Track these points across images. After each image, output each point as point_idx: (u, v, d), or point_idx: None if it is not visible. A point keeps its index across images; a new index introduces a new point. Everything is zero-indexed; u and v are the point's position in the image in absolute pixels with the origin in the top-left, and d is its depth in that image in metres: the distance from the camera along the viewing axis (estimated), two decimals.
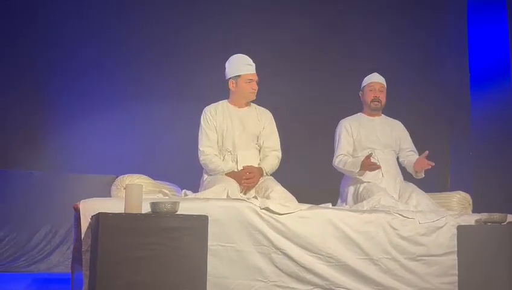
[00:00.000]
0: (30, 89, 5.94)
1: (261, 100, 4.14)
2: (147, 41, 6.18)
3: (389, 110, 4.45)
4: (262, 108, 4.15)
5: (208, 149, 3.94)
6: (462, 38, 6.33)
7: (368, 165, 4.02)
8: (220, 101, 4.09)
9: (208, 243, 2.99)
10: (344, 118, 4.44)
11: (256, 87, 4.00)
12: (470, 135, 6.12)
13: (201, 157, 3.95)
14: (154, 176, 3.75)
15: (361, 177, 4.16)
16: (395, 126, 4.41)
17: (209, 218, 3.02)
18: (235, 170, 3.89)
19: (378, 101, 4.31)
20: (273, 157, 4.01)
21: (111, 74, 6.06)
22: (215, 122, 3.98)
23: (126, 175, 3.58)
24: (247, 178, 3.81)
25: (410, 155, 4.32)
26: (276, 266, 3.30)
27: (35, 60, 5.98)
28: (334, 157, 4.29)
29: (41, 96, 5.96)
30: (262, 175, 3.91)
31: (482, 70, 6.11)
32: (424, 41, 6.43)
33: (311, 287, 3.33)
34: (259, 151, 4.06)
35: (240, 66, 3.99)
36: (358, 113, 4.44)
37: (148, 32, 6.20)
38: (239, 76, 3.98)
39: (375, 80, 4.34)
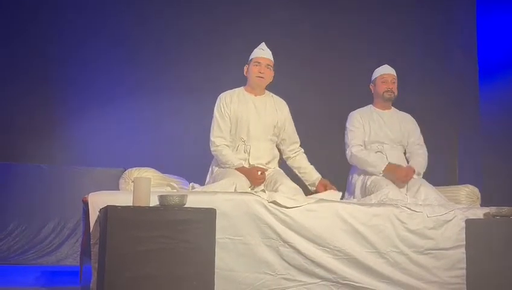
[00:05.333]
0: (38, 82, 5.94)
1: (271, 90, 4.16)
2: (154, 33, 6.17)
3: (398, 102, 4.44)
4: (279, 98, 4.13)
5: (218, 140, 3.92)
6: (471, 28, 6.28)
7: (404, 176, 4.03)
8: (237, 88, 4.07)
9: (216, 236, 2.99)
10: (354, 110, 4.43)
11: (264, 70, 3.95)
12: (479, 128, 6.09)
13: (212, 148, 3.94)
14: (162, 169, 3.75)
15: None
16: (404, 120, 4.39)
17: (217, 211, 3.03)
18: (245, 166, 3.87)
19: (392, 92, 4.31)
20: (302, 152, 4.13)
21: (119, 67, 6.06)
22: (230, 111, 3.94)
23: (134, 168, 3.59)
24: (258, 179, 3.80)
25: (414, 151, 4.30)
26: (284, 259, 3.30)
27: (43, 54, 5.98)
28: (349, 146, 4.25)
29: (49, 89, 5.97)
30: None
31: (491, 61, 6.06)
32: (432, 31, 6.39)
33: (319, 280, 3.34)
34: (275, 144, 4.07)
35: (254, 50, 4.04)
36: (369, 106, 4.43)
37: (156, 23, 6.19)
38: (251, 60, 4.02)
39: (386, 71, 4.35)
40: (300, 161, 4.12)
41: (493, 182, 5.51)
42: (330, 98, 6.13)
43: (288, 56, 5.90)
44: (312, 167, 4.11)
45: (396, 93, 4.33)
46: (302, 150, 4.16)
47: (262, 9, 6.15)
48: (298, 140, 4.14)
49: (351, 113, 4.39)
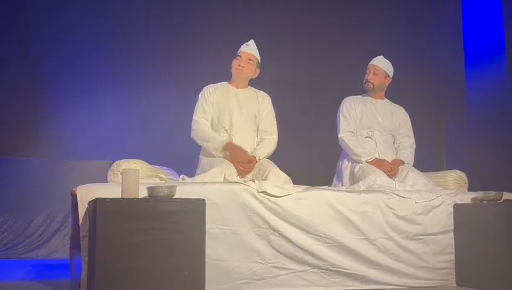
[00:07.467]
0: (27, 75, 5.89)
1: (258, 81, 4.16)
2: (143, 24, 6.12)
3: (387, 92, 4.46)
4: (262, 92, 4.17)
5: (201, 120, 3.96)
6: (456, 18, 6.31)
7: (389, 171, 4.02)
8: (220, 82, 4.14)
9: (206, 226, 2.99)
10: (344, 97, 4.45)
11: (244, 64, 4.02)
12: (466, 114, 6.13)
13: (194, 127, 3.94)
14: (151, 160, 3.74)
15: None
16: (396, 111, 4.43)
17: (207, 201, 3.02)
18: (231, 142, 3.88)
19: (369, 83, 4.35)
20: (269, 142, 4.02)
21: (107, 59, 6.01)
22: (213, 99, 4.00)
23: (122, 160, 3.58)
24: (245, 167, 3.79)
25: (402, 143, 4.32)
26: (274, 248, 3.32)
27: (31, 46, 5.93)
28: (341, 131, 4.27)
29: (38, 82, 5.92)
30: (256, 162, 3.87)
31: (476, 50, 6.09)
32: (418, 21, 6.40)
33: (309, 267, 3.36)
34: (256, 134, 4.06)
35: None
36: (363, 94, 4.44)
37: (146, 14, 6.14)
38: (235, 55, 4.09)
39: (372, 62, 4.39)
40: (260, 143, 4.04)
41: (480, 167, 5.56)
42: (320, 88, 6.13)
43: (281, 49, 5.92)
44: (264, 150, 3.98)
45: (376, 84, 4.34)
46: (275, 140, 4.07)
47: (255, 5, 6.14)
48: (276, 133, 4.09)
49: (344, 99, 4.42)
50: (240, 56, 4.05)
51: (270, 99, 4.16)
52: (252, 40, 4.11)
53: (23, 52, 5.90)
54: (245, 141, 3.95)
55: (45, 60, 5.94)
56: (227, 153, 3.82)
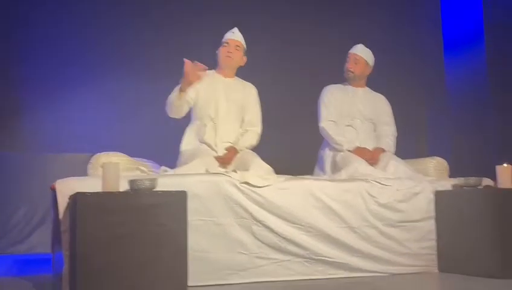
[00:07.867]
0: (3, 67, 5.80)
1: (239, 70, 4.14)
2: (124, 16, 6.05)
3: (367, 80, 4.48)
4: (249, 83, 4.14)
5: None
6: (435, 6, 6.34)
7: (370, 159, 4.02)
8: (208, 70, 4.02)
9: (188, 218, 2.97)
10: (325, 86, 4.44)
11: (232, 50, 3.99)
12: (446, 101, 6.18)
13: (167, 102, 3.87)
14: (131, 153, 3.71)
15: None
16: (377, 99, 4.42)
17: (189, 193, 3.01)
18: (213, 146, 3.85)
19: (350, 72, 4.33)
20: (252, 133, 4.00)
21: (85, 51, 5.93)
22: (199, 86, 3.85)
23: (102, 153, 3.53)
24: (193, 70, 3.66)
25: (383, 132, 4.31)
26: (257, 238, 3.32)
27: (6, 38, 5.83)
28: (322, 120, 4.25)
29: (13, 75, 5.84)
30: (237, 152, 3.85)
31: (455, 38, 6.13)
32: (396, 8, 6.42)
33: (292, 257, 3.37)
34: (241, 125, 4.04)
35: (225, 34, 4.07)
36: (344, 83, 4.43)
37: (128, 6, 6.07)
38: (222, 43, 4.04)
39: (352, 50, 4.36)
40: (244, 134, 4.00)
41: (460, 153, 5.61)
42: (301, 77, 6.12)
43: (264, 39, 5.89)
44: (247, 141, 3.96)
45: (357, 73, 4.33)
46: (258, 132, 4.04)
47: None
48: (259, 125, 4.05)
49: (325, 88, 4.40)
50: (227, 43, 4.01)
51: (256, 91, 4.13)
52: (236, 27, 4.08)
53: (1, 43, 5.80)
54: (229, 133, 3.92)
55: (22, 53, 5.84)
56: (185, 85, 3.72)
